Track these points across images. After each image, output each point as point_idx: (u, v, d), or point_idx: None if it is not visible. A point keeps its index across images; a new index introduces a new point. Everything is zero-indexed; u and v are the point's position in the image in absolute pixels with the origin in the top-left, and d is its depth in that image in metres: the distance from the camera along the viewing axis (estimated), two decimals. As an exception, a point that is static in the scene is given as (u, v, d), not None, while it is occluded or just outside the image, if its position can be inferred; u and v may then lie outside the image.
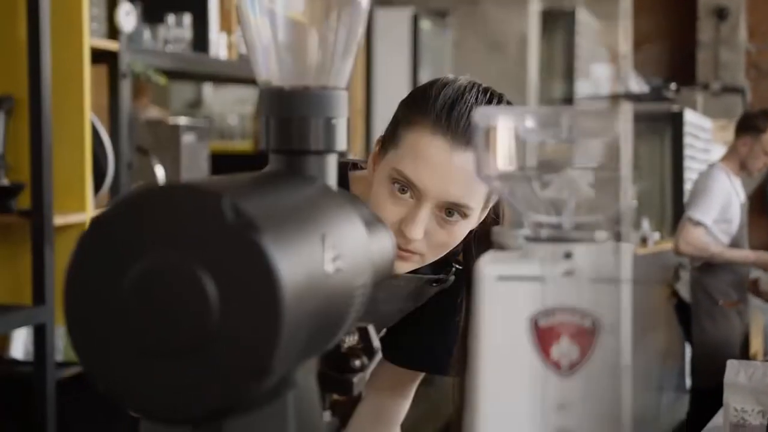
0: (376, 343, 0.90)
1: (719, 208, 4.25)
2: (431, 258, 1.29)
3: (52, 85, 2.41)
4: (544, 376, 0.69)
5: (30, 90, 2.39)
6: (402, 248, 1.26)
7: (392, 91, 5.80)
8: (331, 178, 0.84)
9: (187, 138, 3.09)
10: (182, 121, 3.16)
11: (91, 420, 2.52)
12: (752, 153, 4.27)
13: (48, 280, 2.35)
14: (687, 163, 7.10)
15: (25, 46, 2.40)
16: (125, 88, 2.67)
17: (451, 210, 1.24)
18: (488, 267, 0.70)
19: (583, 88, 5.29)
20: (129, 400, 0.64)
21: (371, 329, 0.90)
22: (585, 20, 7.54)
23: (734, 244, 4.36)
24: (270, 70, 0.84)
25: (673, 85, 6.75)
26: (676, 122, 6.91)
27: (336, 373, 0.85)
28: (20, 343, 2.63)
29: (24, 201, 2.41)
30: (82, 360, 0.64)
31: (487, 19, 5.47)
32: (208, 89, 5.41)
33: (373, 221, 0.88)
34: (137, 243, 0.63)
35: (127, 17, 2.63)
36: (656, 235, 6.38)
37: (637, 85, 5.76)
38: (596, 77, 5.35)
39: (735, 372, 2.06)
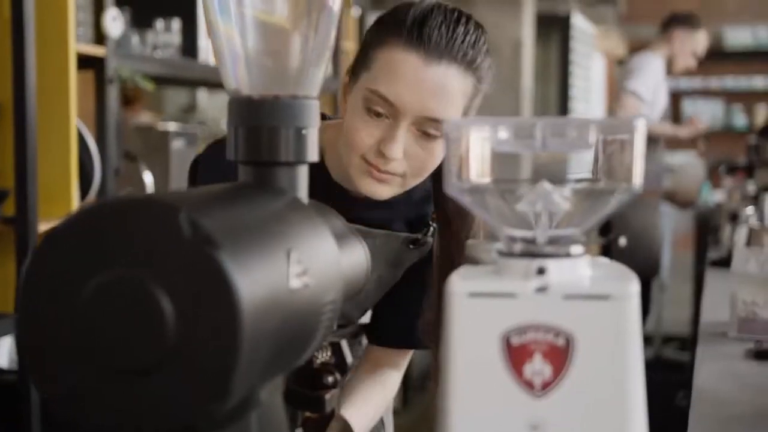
0: (349, 358, 0.88)
1: (652, 87, 4.38)
2: (412, 181, 1.28)
3: (38, 91, 2.38)
4: (516, 396, 0.67)
5: (15, 95, 2.37)
6: (381, 169, 1.25)
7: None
8: (302, 190, 0.81)
9: (177, 144, 3.07)
10: (172, 127, 3.13)
11: (77, 429, 2.49)
12: (682, 49, 4.46)
13: (32, 287, 2.32)
14: (571, 68, 7.29)
15: (10, 51, 2.37)
16: (112, 93, 2.65)
17: (428, 132, 1.24)
18: (459, 283, 0.68)
19: None
20: (84, 420, 0.62)
21: (344, 344, 0.88)
22: (580, 25, 7.54)
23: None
24: (239, 78, 0.82)
25: None
26: (564, 26, 7.07)
27: (307, 390, 0.83)
28: (5, 352, 2.60)
29: (8, 208, 2.38)
30: (34, 378, 0.62)
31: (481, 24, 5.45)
32: (202, 94, 5.39)
33: (345, 233, 0.86)
34: (92, 258, 0.60)
35: (114, 23, 2.61)
36: None
37: None
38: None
39: (744, 260, 1.94)
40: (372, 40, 1.26)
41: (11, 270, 2.38)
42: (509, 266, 0.69)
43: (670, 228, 6.08)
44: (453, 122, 0.70)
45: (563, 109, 7.44)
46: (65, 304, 0.61)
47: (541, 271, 0.68)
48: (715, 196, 7.45)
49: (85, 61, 2.61)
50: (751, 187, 4.23)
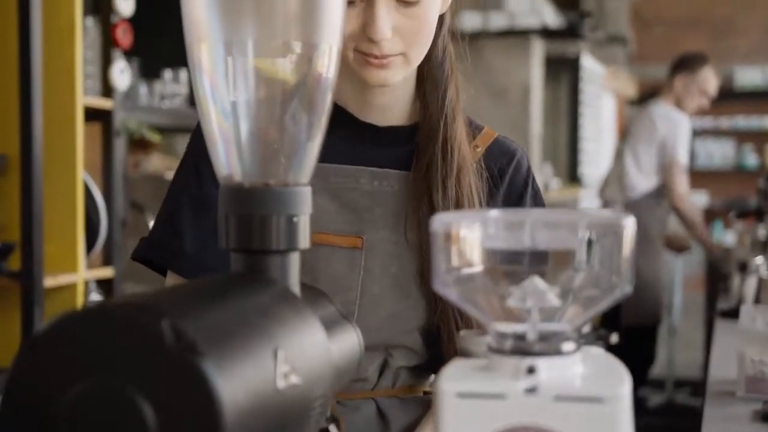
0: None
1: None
2: (416, 56, 1.21)
3: (45, 144, 2.40)
4: (506, 500, 0.66)
5: (22, 149, 2.37)
6: (378, 55, 1.19)
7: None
8: (293, 277, 0.81)
9: (184, 193, 3.06)
10: (179, 175, 3.13)
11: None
12: (688, 91, 4.49)
13: (36, 342, 2.31)
14: (581, 109, 7.32)
15: (17, 104, 2.39)
16: (119, 146, 2.66)
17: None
18: (448, 383, 0.67)
19: (497, 19, 5.28)
20: None
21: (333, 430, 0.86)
22: (589, 66, 7.56)
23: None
24: (231, 165, 0.82)
25: (590, 21, 6.78)
26: (573, 67, 7.10)
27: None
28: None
29: (14, 262, 2.38)
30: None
31: (490, 68, 5.48)
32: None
33: (337, 320, 0.85)
34: (74, 365, 0.60)
35: (122, 75, 2.63)
36: (557, 182, 6.49)
37: (552, 18, 5.79)
38: (511, 8, 5.34)
39: (750, 318, 1.90)
40: None
41: (16, 325, 2.37)
42: (499, 364, 0.68)
43: (681, 270, 6.05)
44: (441, 219, 0.69)
45: (573, 150, 7.45)
46: (47, 412, 0.60)
47: (531, 371, 0.67)
48: (726, 237, 7.42)
49: (93, 114, 2.62)
50: (762, 231, 4.21)
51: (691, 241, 4.94)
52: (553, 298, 0.69)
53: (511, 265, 0.71)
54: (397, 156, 1.28)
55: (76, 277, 2.50)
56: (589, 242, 0.68)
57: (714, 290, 4.68)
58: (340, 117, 1.28)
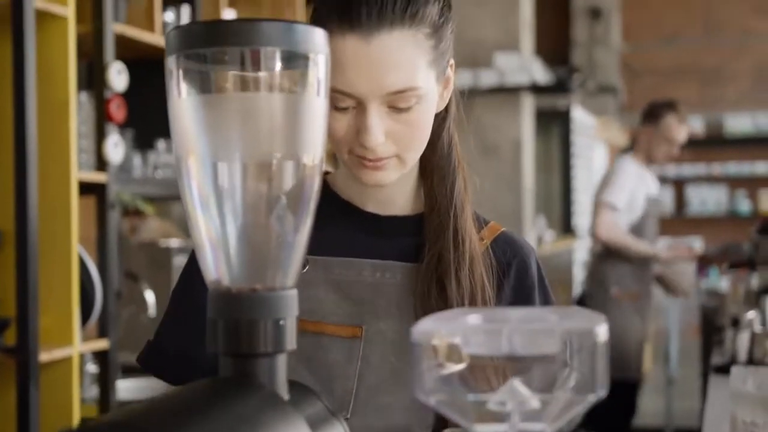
0: None
1: (628, 195, 4.45)
2: (411, 157, 1.20)
3: (40, 218, 2.42)
4: None
5: (17, 223, 2.40)
6: (371, 159, 1.17)
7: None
8: (281, 379, 0.83)
9: (179, 260, 3.09)
10: (174, 243, 3.17)
11: None
12: (654, 141, 4.57)
13: (33, 419, 2.32)
14: (573, 161, 7.37)
15: (13, 179, 2.42)
16: (113, 218, 2.69)
17: (398, 106, 1.15)
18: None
19: (487, 77, 5.33)
20: None
21: None
22: (580, 117, 7.64)
23: (634, 234, 4.53)
24: (219, 270, 0.84)
25: (578, 77, 6.83)
26: (564, 119, 7.16)
27: None
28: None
29: (9, 337, 2.39)
30: None
31: (482, 125, 5.54)
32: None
33: (325, 418, 0.87)
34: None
35: (116, 149, 2.66)
36: (551, 234, 6.52)
37: (541, 74, 5.84)
38: (501, 66, 5.40)
39: (742, 379, 1.90)
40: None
41: (12, 401, 2.38)
42: (481, 468, 0.70)
43: (678, 319, 6.07)
44: (421, 327, 0.72)
45: (566, 201, 7.49)
46: None
47: (511, 476, 0.69)
48: (721, 283, 7.44)
49: (87, 187, 2.65)
50: (754, 281, 4.23)
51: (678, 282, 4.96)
52: (533, 401, 0.71)
53: (491, 369, 0.73)
54: (401, 247, 1.27)
55: (72, 350, 2.51)
56: (566, 348, 0.71)
57: (708, 341, 4.68)
58: (343, 209, 1.30)
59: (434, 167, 1.28)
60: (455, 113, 1.32)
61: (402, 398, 1.22)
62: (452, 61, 1.25)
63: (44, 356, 2.41)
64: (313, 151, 0.84)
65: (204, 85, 0.82)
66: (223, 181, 0.83)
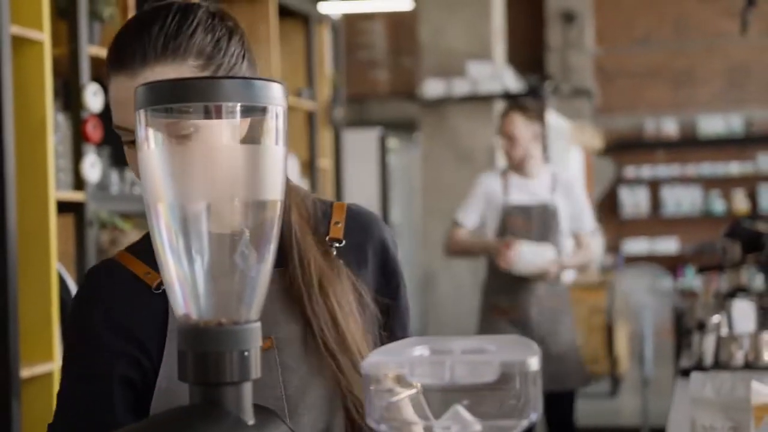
0: None
1: (479, 211, 4.16)
2: None
3: (19, 237, 2.47)
4: None
5: (-4, 243, 2.45)
6: None
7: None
8: (246, 405, 0.90)
9: (157, 274, 3.14)
10: (151, 257, 3.21)
11: None
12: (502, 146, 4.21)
13: (15, 434, 2.38)
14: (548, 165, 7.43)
15: (-8, 200, 2.47)
16: (91, 236, 2.74)
17: (180, 134, 1.12)
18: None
19: (460, 86, 5.32)
20: None
21: None
22: (554, 122, 7.74)
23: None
24: (187, 306, 0.91)
25: (549, 84, 6.87)
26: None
27: None
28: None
29: (-10, 354, 2.45)
30: None
31: (455, 132, 5.62)
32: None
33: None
34: None
35: (93, 168, 2.72)
36: None
37: (513, 82, 5.82)
38: (473, 75, 5.39)
39: (701, 385, 1.95)
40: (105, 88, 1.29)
41: (-6, 417, 2.44)
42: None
43: (651, 320, 6.15)
44: (371, 362, 0.79)
45: (542, 205, 7.56)
46: None
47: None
48: (696, 282, 7.56)
49: (65, 206, 2.71)
50: (724, 284, 4.31)
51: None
52: (475, 425, 0.79)
53: (435, 397, 0.80)
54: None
55: (53, 365, 2.56)
56: (503, 377, 0.78)
57: (680, 342, 4.76)
58: None
59: None
60: None
61: (326, 392, 1.28)
62: None
63: (25, 372, 2.47)
64: (274, 193, 0.91)
65: (169, 137, 0.89)
66: (189, 223, 0.89)
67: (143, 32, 1.21)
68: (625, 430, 6.09)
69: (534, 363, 0.77)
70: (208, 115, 0.89)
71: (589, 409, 6.26)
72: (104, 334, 1.26)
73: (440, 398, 0.81)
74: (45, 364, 2.55)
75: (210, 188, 0.89)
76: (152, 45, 1.20)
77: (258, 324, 0.91)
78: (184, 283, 0.90)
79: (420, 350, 0.82)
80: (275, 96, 0.90)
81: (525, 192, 4.18)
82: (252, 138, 0.89)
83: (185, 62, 1.21)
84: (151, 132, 0.89)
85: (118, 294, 1.28)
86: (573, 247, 4.21)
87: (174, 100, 0.88)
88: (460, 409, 0.79)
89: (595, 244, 4.25)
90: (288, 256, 1.28)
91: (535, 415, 0.78)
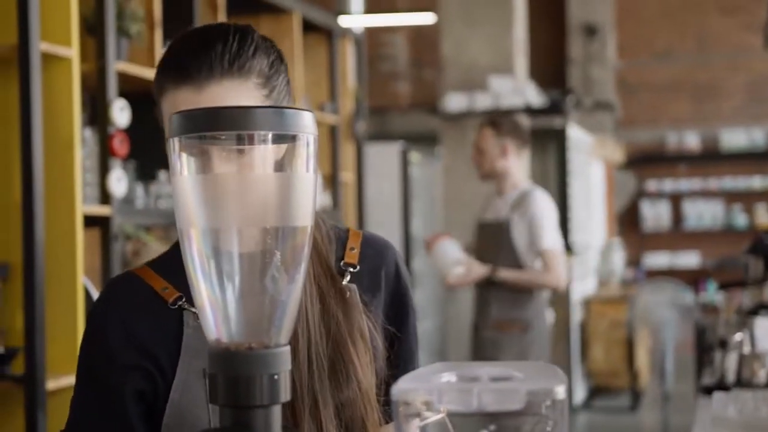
0: None
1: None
2: None
3: (46, 251, 2.51)
4: None
5: (24, 257, 2.48)
6: None
7: (385, 221, 5.96)
8: (276, 426, 0.91)
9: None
10: (175, 270, 3.24)
11: None
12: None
13: (41, 446, 2.41)
14: (569, 179, 7.44)
15: (20, 214, 2.50)
16: (117, 250, 2.77)
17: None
18: None
19: (482, 100, 5.33)
20: None
21: None
22: (576, 135, 7.73)
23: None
24: (218, 330, 0.93)
25: (571, 98, 6.87)
26: (560, 138, 7.23)
27: None
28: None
29: (17, 366, 2.48)
30: None
31: (477, 146, 5.61)
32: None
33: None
34: None
35: (119, 183, 2.75)
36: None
37: (535, 97, 5.82)
38: (495, 89, 5.39)
39: (723, 405, 1.95)
40: (156, 97, 1.27)
41: (20, 429, 2.46)
42: None
43: (673, 336, 6.13)
44: (401, 388, 0.80)
45: (563, 219, 7.56)
46: None
47: None
48: (718, 297, 7.52)
49: (92, 220, 2.74)
50: (746, 300, 4.29)
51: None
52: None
53: (462, 422, 0.82)
54: None
55: (78, 378, 2.59)
56: (530, 404, 0.79)
57: (701, 358, 4.74)
58: None
59: None
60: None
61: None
62: None
63: (51, 384, 2.50)
64: (304, 218, 0.93)
65: (203, 165, 0.91)
66: (220, 248, 0.91)
67: (208, 47, 1.22)
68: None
69: (561, 391, 0.78)
70: (240, 142, 0.91)
71: (609, 423, 6.24)
72: (118, 346, 1.27)
73: (467, 423, 0.82)
74: (71, 377, 2.57)
75: (241, 215, 0.91)
76: (218, 60, 1.22)
77: (287, 348, 0.93)
78: (216, 307, 0.92)
79: (447, 376, 0.83)
80: (306, 124, 0.91)
81: (492, 210, 4.18)
82: (283, 165, 0.91)
83: (249, 80, 1.24)
84: (184, 159, 0.91)
85: (134, 307, 1.30)
86: (541, 267, 4.04)
87: (207, 129, 0.90)
88: (488, 435, 0.80)
89: (561, 267, 4.04)
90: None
91: (563, 440, 0.79)
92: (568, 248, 7.51)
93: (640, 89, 10.41)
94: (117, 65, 2.84)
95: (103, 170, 2.77)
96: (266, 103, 1.25)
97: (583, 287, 7.86)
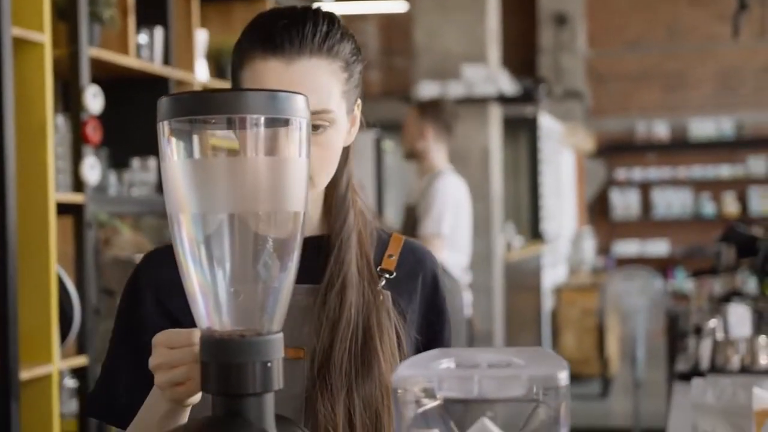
0: None
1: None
2: (321, 181, 1.25)
3: (18, 239, 2.47)
4: None
5: (-4, 245, 2.44)
6: None
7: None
8: (269, 416, 0.90)
9: (154, 275, 3.13)
10: (148, 258, 3.20)
11: None
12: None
13: (15, 437, 2.37)
14: (540, 167, 7.50)
15: (-8, 202, 2.46)
16: (90, 237, 2.74)
17: (313, 125, 1.18)
18: None
19: (455, 88, 5.38)
20: None
21: None
22: (547, 124, 7.75)
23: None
24: (210, 318, 0.91)
25: (543, 87, 6.90)
26: (531, 126, 7.28)
27: None
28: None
29: (-11, 357, 2.44)
30: None
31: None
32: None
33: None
34: None
35: (92, 170, 2.71)
36: (519, 240, 6.59)
37: (508, 85, 5.86)
38: (468, 78, 5.43)
39: (702, 391, 1.96)
40: (234, 68, 1.27)
41: (-7, 418, 2.43)
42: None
43: (644, 324, 6.17)
44: (401, 375, 0.79)
45: (534, 207, 7.60)
46: None
47: None
48: (687, 284, 7.57)
49: (65, 208, 2.70)
50: (717, 287, 4.32)
51: None
52: (499, 438, 0.79)
53: (462, 408, 0.80)
54: (306, 268, 1.26)
55: (51, 368, 2.56)
56: (531, 391, 0.78)
57: (673, 344, 4.77)
58: None
59: (333, 203, 1.33)
60: (352, 156, 1.37)
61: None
62: (360, 102, 1.32)
63: (24, 374, 2.46)
64: (296, 204, 0.91)
65: (193, 149, 0.89)
66: (211, 234, 0.90)
67: (299, 24, 1.23)
68: (615, 431, 6.12)
69: (563, 377, 0.77)
70: (231, 126, 0.89)
71: (579, 410, 6.28)
72: (151, 312, 1.27)
73: (467, 409, 0.81)
74: (44, 366, 2.54)
75: (232, 199, 0.89)
76: (310, 37, 1.23)
77: (280, 335, 0.91)
78: (207, 293, 0.90)
79: (446, 363, 0.82)
80: (298, 108, 0.90)
81: (412, 193, 4.28)
82: (274, 150, 0.89)
83: (336, 62, 1.25)
84: (174, 143, 0.89)
85: (168, 277, 1.27)
86: None
87: (198, 112, 0.88)
88: (487, 422, 0.79)
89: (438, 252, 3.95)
90: (334, 275, 1.28)
91: (566, 429, 0.78)
92: (540, 236, 7.55)
93: (610, 78, 10.45)
94: (90, 51, 2.79)
95: (76, 157, 2.73)
96: (346, 87, 1.26)
97: (554, 275, 7.90)
